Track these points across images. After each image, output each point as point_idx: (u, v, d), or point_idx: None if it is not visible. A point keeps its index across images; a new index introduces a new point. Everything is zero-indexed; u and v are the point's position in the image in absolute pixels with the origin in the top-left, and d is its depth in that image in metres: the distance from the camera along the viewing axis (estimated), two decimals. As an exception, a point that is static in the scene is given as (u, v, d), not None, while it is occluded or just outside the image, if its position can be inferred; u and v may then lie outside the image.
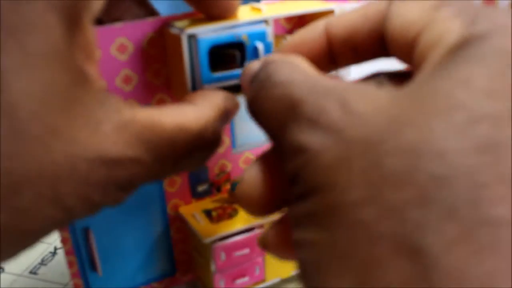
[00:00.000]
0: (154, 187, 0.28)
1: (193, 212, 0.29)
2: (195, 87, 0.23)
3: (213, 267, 0.28)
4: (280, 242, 0.17)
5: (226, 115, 0.20)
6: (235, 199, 0.16)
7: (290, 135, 0.13)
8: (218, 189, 0.30)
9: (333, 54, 0.17)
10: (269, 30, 0.23)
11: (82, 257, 0.28)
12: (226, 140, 0.29)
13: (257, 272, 0.30)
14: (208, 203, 0.30)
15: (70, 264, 0.28)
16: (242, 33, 0.23)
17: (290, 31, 0.28)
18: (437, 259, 0.10)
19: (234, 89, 0.23)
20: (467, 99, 0.11)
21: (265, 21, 0.23)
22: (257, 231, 0.29)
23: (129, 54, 0.24)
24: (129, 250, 0.29)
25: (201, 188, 0.30)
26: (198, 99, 0.19)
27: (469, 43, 0.12)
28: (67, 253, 0.27)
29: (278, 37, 0.26)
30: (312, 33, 0.17)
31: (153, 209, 0.29)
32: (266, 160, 0.16)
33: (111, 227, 0.28)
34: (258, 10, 0.24)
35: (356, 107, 0.12)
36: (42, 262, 0.36)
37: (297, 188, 0.13)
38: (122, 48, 0.24)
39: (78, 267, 0.28)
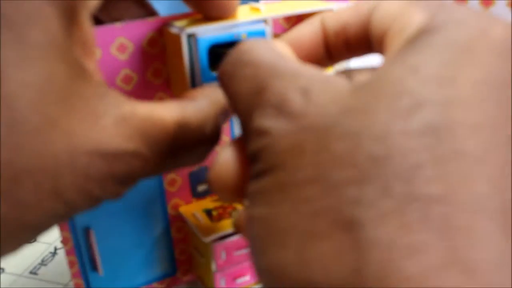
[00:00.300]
0: (154, 187, 0.29)
1: (193, 212, 0.29)
2: (195, 86, 0.23)
3: (213, 267, 0.28)
4: None
5: (226, 112, 0.20)
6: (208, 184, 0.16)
7: (255, 118, 0.14)
8: (218, 189, 0.31)
9: (329, 49, 0.18)
10: (268, 30, 0.23)
11: (82, 257, 0.28)
12: (226, 139, 0.29)
13: (258, 271, 0.30)
14: (208, 202, 0.30)
15: (70, 264, 0.28)
16: (241, 32, 0.23)
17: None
18: (369, 231, 0.10)
19: None
20: (414, 85, 0.11)
21: (264, 21, 0.23)
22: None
23: (129, 54, 0.24)
24: (129, 250, 0.29)
25: (201, 187, 0.30)
26: (198, 96, 0.19)
27: (424, 33, 0.12)
28: (68, 253, 0.28)
29: (277, 36, 0.26)
30: (308, 28, 0.18)
31: (153, 208, 0.29)
32: (240, 144, 0.16)
33: (112, 227, 0.28)
34: (257, 10, 0.24)
35: (317, 97, 0.12)
36: (42, 262, 0.36)
37: (255, 168, 0.13)
38: (122, 48, 0.24)
39: (78, 267, 0.28)
